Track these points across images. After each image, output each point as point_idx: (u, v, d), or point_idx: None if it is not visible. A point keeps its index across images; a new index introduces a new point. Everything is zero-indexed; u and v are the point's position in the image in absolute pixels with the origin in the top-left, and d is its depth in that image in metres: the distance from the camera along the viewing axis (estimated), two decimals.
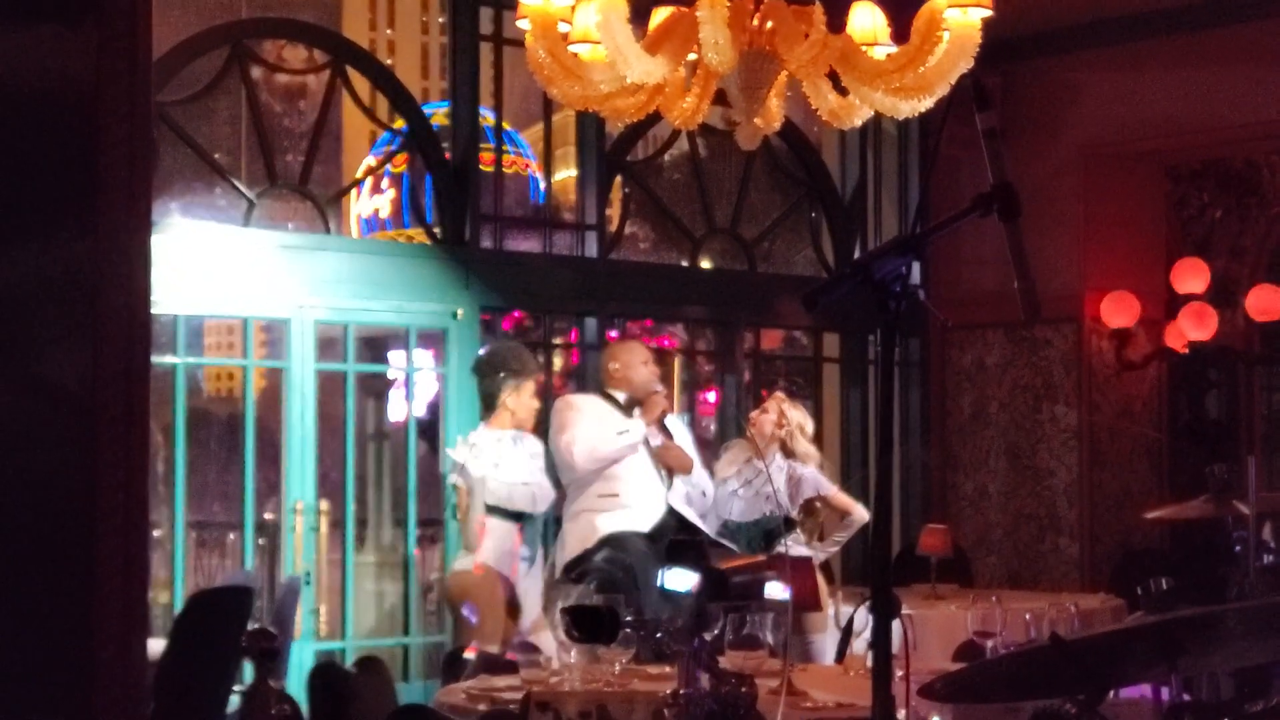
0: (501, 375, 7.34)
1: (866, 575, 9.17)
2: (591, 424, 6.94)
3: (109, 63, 3.22)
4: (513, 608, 7.21)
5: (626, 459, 6.95)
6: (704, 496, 7.21)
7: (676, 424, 7.36)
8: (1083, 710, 2.98)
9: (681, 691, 3.56)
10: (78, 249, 3.16)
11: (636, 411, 7.05)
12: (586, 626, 3.66)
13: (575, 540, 6.95)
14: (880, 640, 2.66)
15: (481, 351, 7.76)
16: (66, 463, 3.13)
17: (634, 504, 6.89)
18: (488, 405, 7.40)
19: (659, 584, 3.81)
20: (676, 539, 6.51)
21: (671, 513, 6.95)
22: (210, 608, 6.39)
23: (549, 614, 6.99)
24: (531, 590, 7.26)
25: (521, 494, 7.16)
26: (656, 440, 7.06)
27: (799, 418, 7.67)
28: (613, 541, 6.74)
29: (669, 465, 6.99)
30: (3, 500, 3.06)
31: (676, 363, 11.09)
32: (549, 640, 6.49)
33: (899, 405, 10.52)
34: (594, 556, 6.74)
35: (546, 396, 9.38)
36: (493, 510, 7.13)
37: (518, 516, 7.20)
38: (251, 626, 6.27)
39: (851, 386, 10.55)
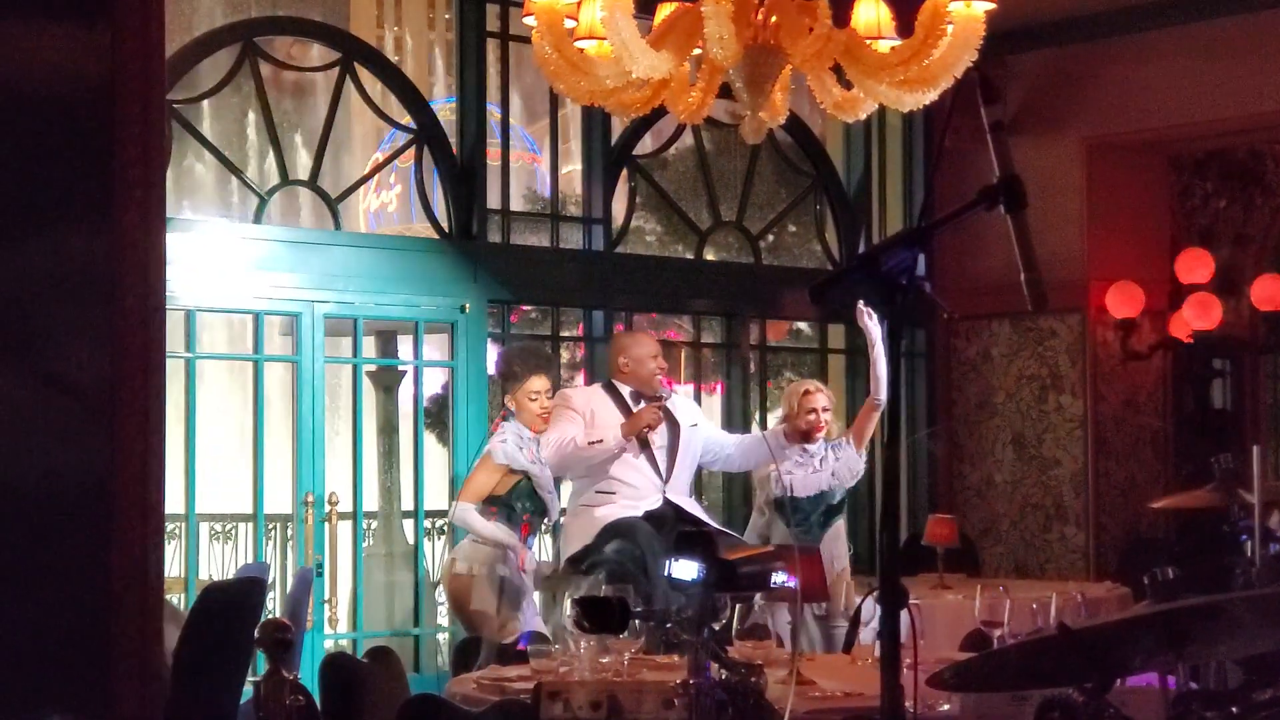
0: (501, 378, 7.38)
1: (874, 565, 9.20)
2: (574, 425, 6.90)
3: (122, 62, 3.25)
4: (516, 598, 7.22)
5: (623, 459, 6.93)
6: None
7: (682, 401, 7.31)
8: (1090, 698, 3.00)
9: (691, 681, 3.60)
10: (94, 246, 3.19)
11: (640, 403, 7.03)
12: (597, 617, 3.70)
13: (577, 534, 6.96)
14: (888, 629, 2.69)
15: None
16: (85, 455, 3.16)
17: (631, 499, 6.88)
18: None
19: (666, 573, 3.84)
20: (684, 529, 6.51)
21: (668, 504, 6.94)
22: (224, 599, 6.43)
23: (556, 603, 7.00)
24: (533, 580, 7.27)
25: (550, 501, 7.21)
26: (635, 453, 6.98)
27: (830, 401, 7.66)
28: (620, 531, 6.74)
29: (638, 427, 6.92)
30: (23, 492, 3.09)
31: (682, 355, 11.11)
32: (542, 626, 6.53)
33: (905, 396, 10.54)
34: (603, 547, 6.75)
35: (554, 388, 9.42)
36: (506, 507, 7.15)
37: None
38: (265, 617, 6.32)
39: (857, 378, 10.56)
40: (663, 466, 6.98)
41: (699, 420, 7.24)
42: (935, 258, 10.24)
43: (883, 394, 7.43)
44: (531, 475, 7.03)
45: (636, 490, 6.90)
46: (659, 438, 7.01)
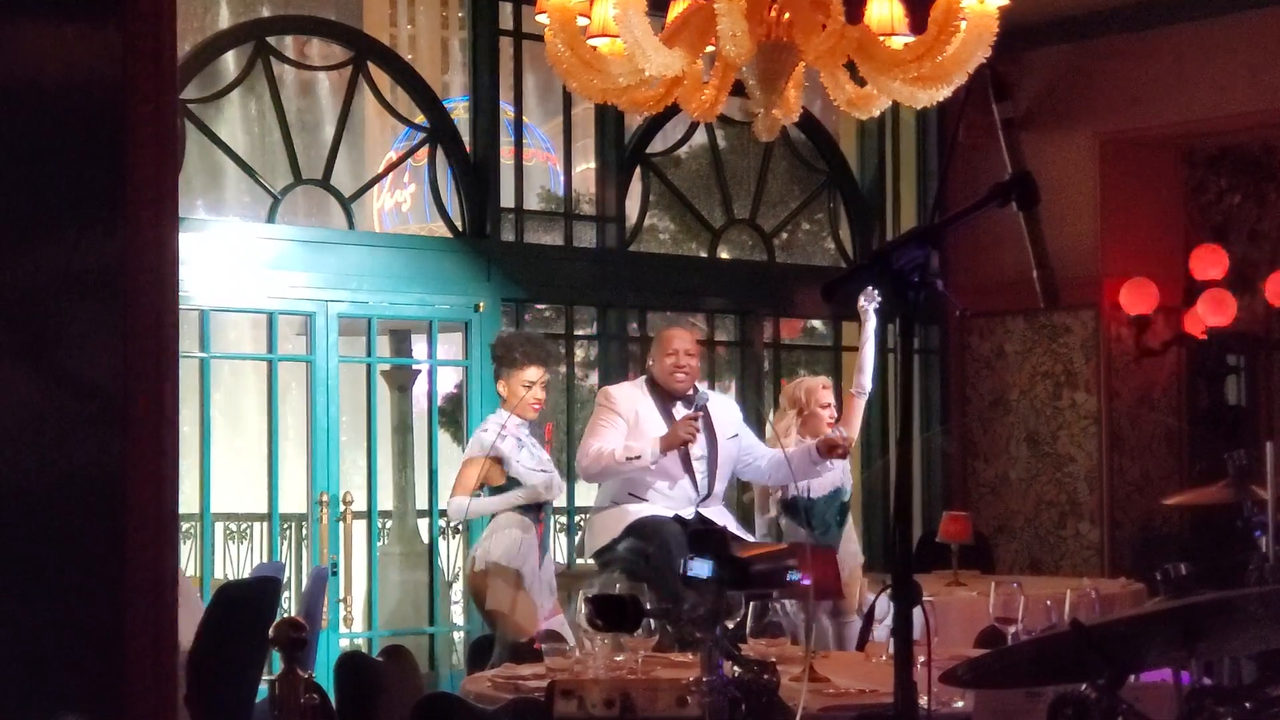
0: (494, 363, 7.38)
1: (888, 562, 9.18)
2: (615, 433, 6.75)
3: (134, 62, 3.26)
4: (534, 597, 7.22)
5: (661, 466, 6.83)
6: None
7: (723, 407, 7.13)
8: (1104, 694, 3.00)
9: (705, 679, 3.60)
10: (106, 246, 3.20)
11: (674, 404, 6.86)
12: (610, 615, 3.70)
13: (603, 530, 6.89)
14: (902, 627, 2.69)
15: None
16: (98, 457, 3.16)
17: (663, 508, 6.80)
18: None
19: (680, 571, 3.84)
20: (697, 529, 6.48)
21: (699, 518, 6.80)
22: (239, 598, 6.44)
23: (571, 601, 6.98)
24: (548, 578, 7.28)
25: (541, 480, 7.19)
26: (674, 462, 6.83)
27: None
28: (641, 529, 6.69)
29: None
30: (35, 495, 3.10)
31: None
32: (562, 624, 6.52)
33: (919, 393, 10.54)
34: (619, 545, 6.71)
35: (569, 388, 9.43)
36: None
37: (538, 506, 7.22)
38: (280, 616, 6.33)
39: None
40: (701, 479, 6.78)
41: (739, 430, 7.05)
42: (948, 254, 10.22)
43: (866, 383, 7.36)
44: (507, 460, 7.05)
45: (670, 500, 6.75)
46: (698, 448, 6.81)
